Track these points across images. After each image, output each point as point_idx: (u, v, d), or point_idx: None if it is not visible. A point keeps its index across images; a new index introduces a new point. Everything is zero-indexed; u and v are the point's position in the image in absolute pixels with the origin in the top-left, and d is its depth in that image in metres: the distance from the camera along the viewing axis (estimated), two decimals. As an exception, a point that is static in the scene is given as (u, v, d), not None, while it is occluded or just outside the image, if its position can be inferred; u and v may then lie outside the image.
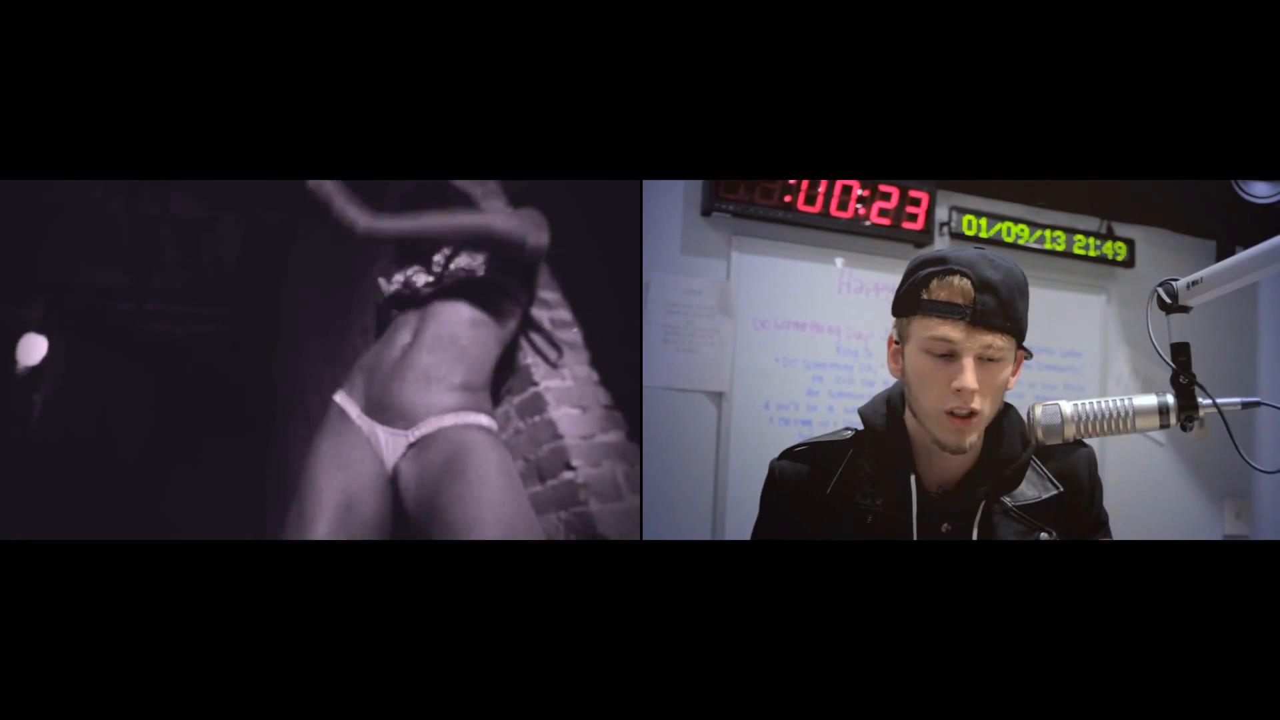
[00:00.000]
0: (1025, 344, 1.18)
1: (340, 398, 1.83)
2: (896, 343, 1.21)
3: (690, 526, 2.52)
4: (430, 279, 1.90)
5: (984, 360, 1.12)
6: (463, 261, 1.88)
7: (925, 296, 1.14)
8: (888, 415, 1.24)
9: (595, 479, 1.99)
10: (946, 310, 1.12)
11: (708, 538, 2.52)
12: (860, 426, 1.27)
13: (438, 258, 1.90)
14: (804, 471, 1.27)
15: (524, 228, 1.87)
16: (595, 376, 2.21)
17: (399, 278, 1.95)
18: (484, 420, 1.76)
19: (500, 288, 1.92)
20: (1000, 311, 1.12)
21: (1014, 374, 1.18)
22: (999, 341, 1.12)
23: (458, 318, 1.84)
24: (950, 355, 1.13)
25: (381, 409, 1.76)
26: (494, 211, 1.90)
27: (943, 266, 1.14)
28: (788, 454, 1.30)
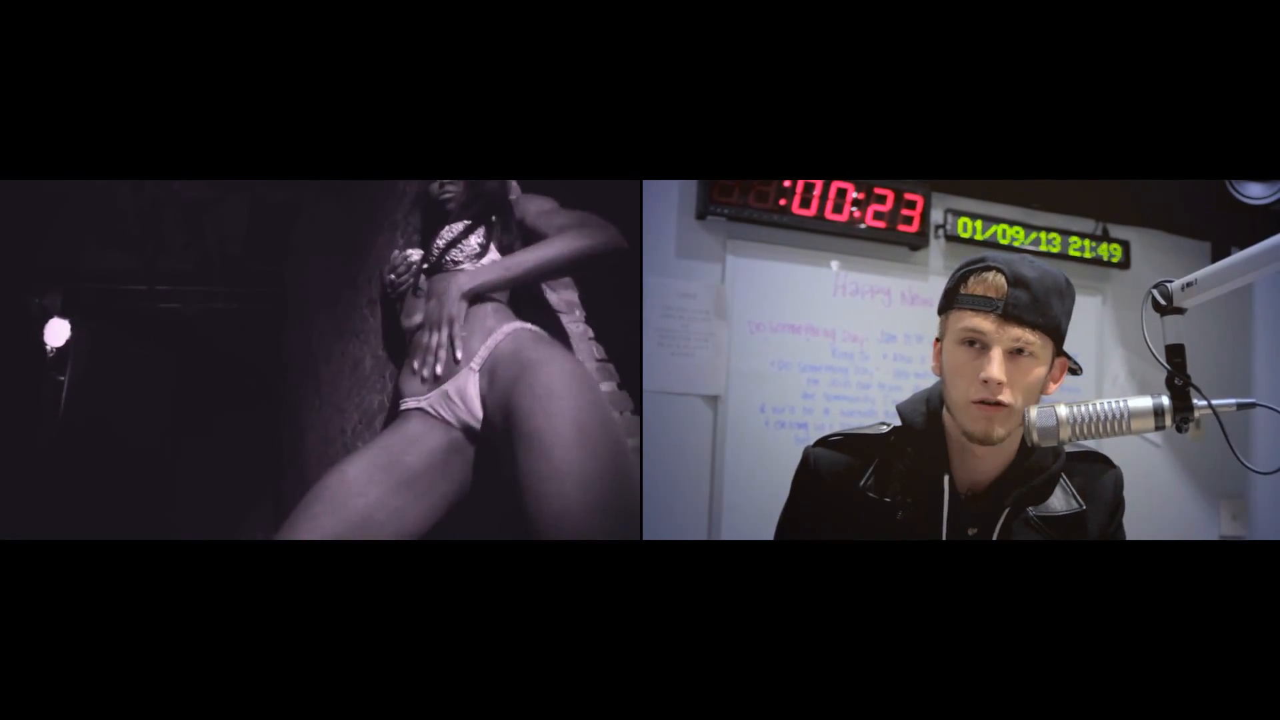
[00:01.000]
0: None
1: (405, 404, 1.84)
2: (939, 340, 1.23)
3: (687, 528, 2.51)
4: (428, 264, 1.95)
5: (1014, 354, 1.14)
6: (456, 254, 1.90)
7: (962, 291, 1.17)
8: (926, 414, 1.25)
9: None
10: (979, 303, 1.15)
11: (704, 540, 2.52)
12: (896, 422, 1.28)
13: (438, 242, 1.94)
14: (839, 461, 1.28)
15: (609, 233, 1.87)
16: (590, 333, 2.24)
17: (400, 256, 2.00)
18: (529, 325, 1.81)
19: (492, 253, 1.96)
20: (1032, 307, 1.13)
21: (1055, 380, 1.19)
22: (1029, 336, 1.13)
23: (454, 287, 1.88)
24: (981, 347, 1.14)
25: (444, 371, 1.78)
26: (575, 229, 1.88)
27: (981, 264, 1.17)
28: (823, 442, 1.31)
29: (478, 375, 1.74)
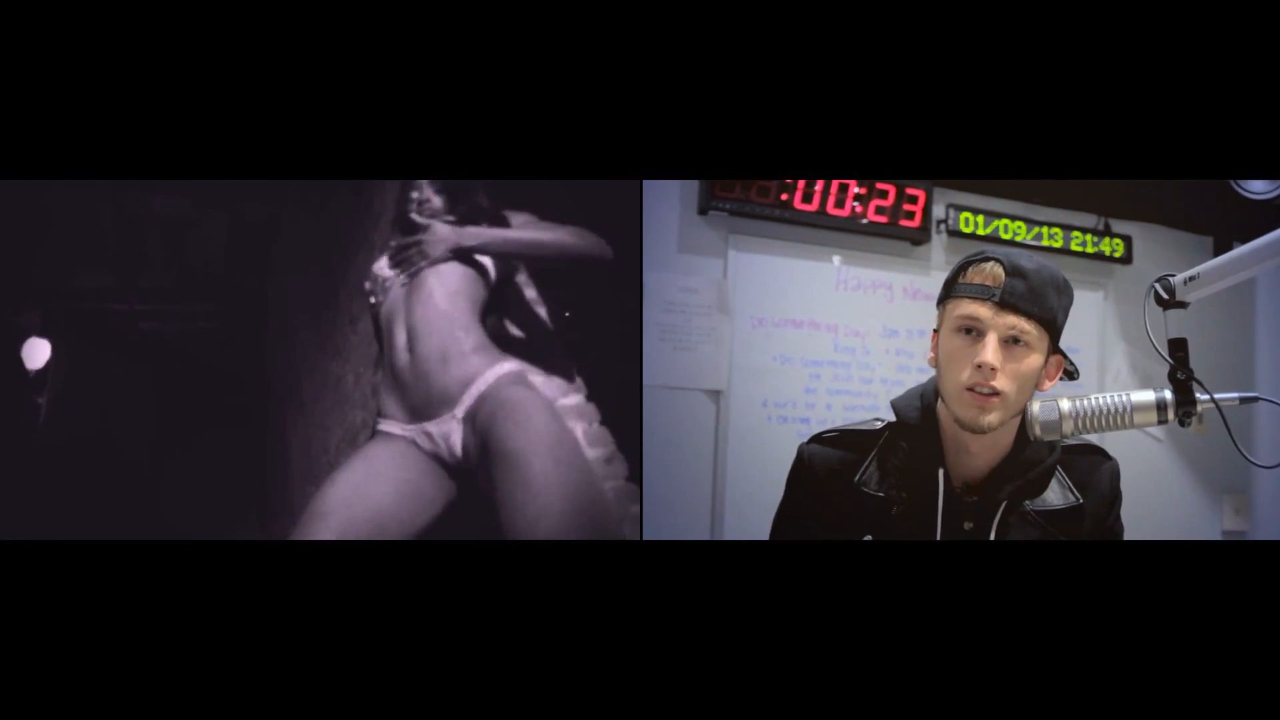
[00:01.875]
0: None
1: (384, 425, 1.93)
2: (936, 330, 1.23)
3: (689, 525, 2.52)
4: (396, 269, 2.01)
5: (1009, 343, 1.14)
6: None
7: (960, 281, 1.18)
8: (921, 409, 1.25)
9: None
10: (976, 291, 1.15)
11: (706, 537, 2.53)
12: (891, 418, 1.28)
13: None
14: (833, 458, 1.28)
15: (597, 243, 1.97)
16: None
17: (378, 279, 2.05)
18: (509, 365, 1.88)
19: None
20: (1028, 296, 1.14)
21: (1050, 377, 1.19)
22: (1025, 325, 1.14)
23: (437, 295, 1.93)
24: (977, 334, 1.15)
25: (424, 408, 1.86)
26: (566, 228, 1.99)
27: (980, 255, 1.18)
28: (818, 439, 1.31)
29: (462, 424, 1.82)
